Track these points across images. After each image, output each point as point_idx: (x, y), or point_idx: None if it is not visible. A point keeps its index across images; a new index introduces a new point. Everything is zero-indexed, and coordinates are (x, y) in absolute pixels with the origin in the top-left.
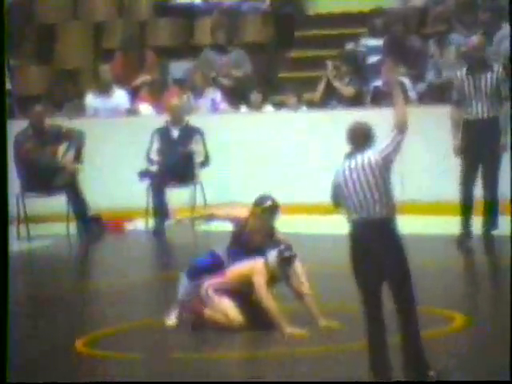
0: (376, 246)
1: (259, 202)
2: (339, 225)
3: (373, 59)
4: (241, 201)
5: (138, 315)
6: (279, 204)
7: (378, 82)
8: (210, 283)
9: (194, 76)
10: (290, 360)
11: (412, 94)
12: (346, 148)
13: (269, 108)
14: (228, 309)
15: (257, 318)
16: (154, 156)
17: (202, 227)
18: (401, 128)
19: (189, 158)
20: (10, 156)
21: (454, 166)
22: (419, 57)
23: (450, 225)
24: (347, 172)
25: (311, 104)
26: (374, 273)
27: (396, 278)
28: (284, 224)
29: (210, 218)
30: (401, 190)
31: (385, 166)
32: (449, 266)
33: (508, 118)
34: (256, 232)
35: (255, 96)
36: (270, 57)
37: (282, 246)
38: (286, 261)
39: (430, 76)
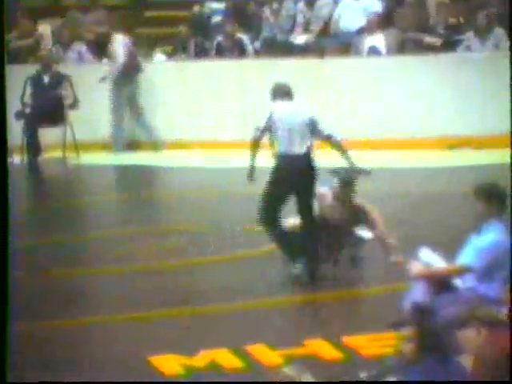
0: (297, 172)
1: None
2: None
3: (216, 19)
4: (103, 136)
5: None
6: None
7: (220, 38)
8: None
9: (62, 32)
10: None
11: (250, 49)
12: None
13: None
14: None
15: None
16: (28, 100)
17: (73, 162)
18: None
19: (58, 100)
20: None
21: None
22: (256, 19)
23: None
24: (281, 115)
25: (167, 55)
26: (289, 194)
27: (305, 199)
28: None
29: None
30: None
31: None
32: None
33: None
34: None
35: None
36: (128, 16)
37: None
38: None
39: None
